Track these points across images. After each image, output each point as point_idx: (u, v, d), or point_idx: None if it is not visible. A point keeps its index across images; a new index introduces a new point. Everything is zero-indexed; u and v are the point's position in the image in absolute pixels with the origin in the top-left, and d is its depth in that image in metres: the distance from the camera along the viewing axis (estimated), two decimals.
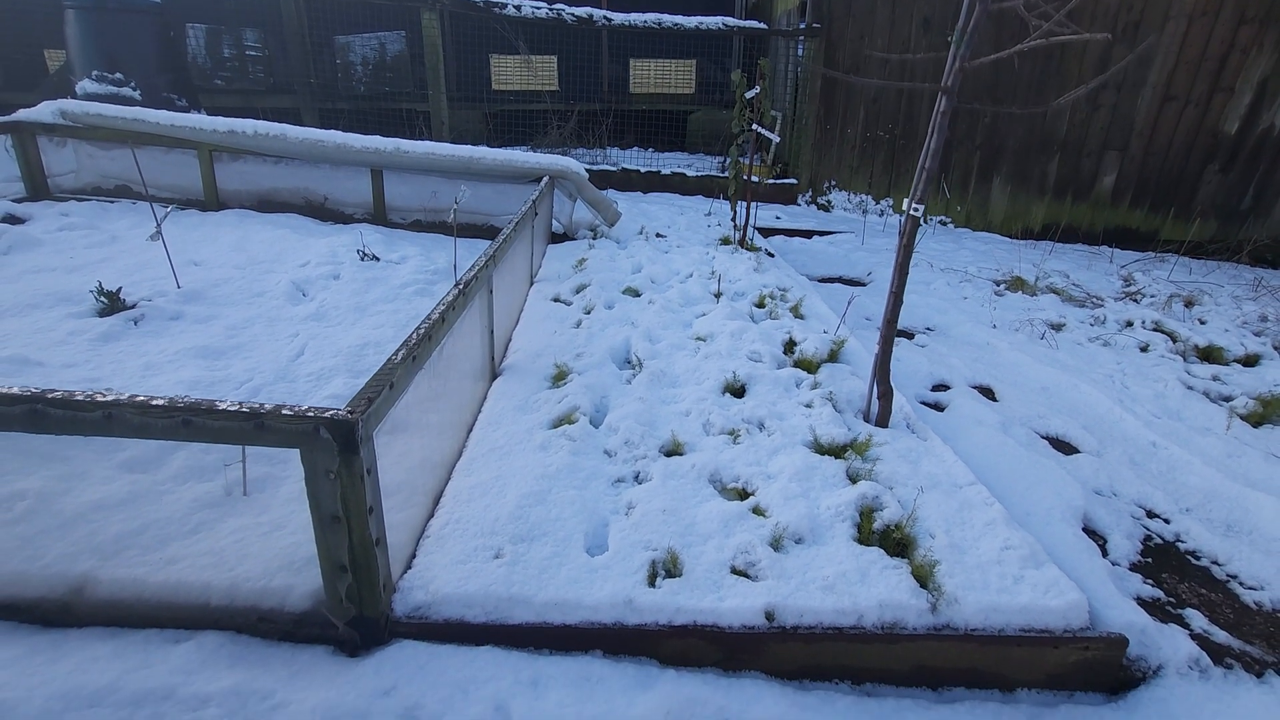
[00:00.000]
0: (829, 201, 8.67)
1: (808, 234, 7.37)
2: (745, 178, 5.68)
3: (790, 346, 3.61)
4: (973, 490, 2.44)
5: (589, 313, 3.96)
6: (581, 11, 8.30)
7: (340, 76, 11.06)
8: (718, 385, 3.08)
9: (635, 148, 10.16)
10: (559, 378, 3.10)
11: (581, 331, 3.63)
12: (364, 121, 10.04)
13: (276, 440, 1.58)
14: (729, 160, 5.84)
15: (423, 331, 2.06)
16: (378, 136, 5.76)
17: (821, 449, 2.63)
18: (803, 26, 8.11)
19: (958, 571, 2.02)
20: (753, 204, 5.76)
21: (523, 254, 4.17)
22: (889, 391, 2.93)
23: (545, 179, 5.45)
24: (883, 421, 2.97)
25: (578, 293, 4.32)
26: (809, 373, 3.28)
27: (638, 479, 2.44)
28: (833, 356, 3.46)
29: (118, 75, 8.01)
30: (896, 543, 2.14)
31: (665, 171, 8.59)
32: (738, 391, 3.11)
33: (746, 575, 1.99)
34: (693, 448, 2.62)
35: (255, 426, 1.56)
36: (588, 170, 6.44)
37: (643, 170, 8.59)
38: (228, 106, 9.30)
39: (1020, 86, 7.72)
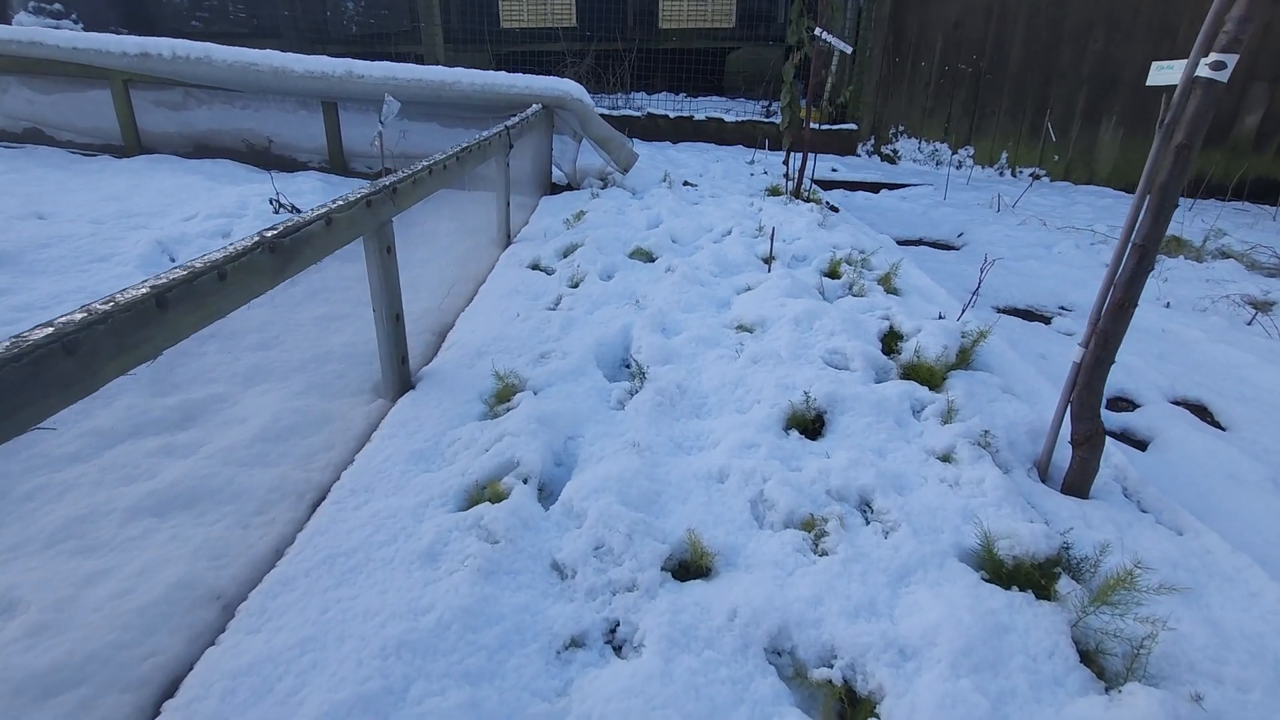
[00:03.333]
0: (895, 151, 7.15)
1: (874, 187, 5.92)
2: (805, 117, 4.26)
3: (892, 340, 2.24)
4: None
5: (576, 285, 2.65)
6: None
7: (330, 15, 9.78)
8: (777, 415, 1.75)
9: (664, 92, 8.69)
10: (501, 397, 1.81)
11: (557, 315, 2.32)
12: None
13: None
14: (783, 89, 4.41)
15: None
16: (324, 57, 4.49)
17: (1000, 569, 1.28)
18: None
19: None
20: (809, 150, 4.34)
21: (483, 201, 2.87)
22: (1097, 434, 1.58)
23: (536, 107, 4.11)
24: (1079, 487, 1.63)
25: (565, 256, 3.00)
26: (931, 389, 1.92)
27: (612, 642, 1.15)
28: (964, 359, 2.09)
29: (56, 6, 6.87)
30: None
31: (699, 117, 7.16)
32: (812, 426, 1.78)
33: None
34: (732, 561, 1.30)
35: None
36: (606, 115, 5.10)
37: (672, 116, 7.19)
38: None
39: (1143, 10, 6.11)
